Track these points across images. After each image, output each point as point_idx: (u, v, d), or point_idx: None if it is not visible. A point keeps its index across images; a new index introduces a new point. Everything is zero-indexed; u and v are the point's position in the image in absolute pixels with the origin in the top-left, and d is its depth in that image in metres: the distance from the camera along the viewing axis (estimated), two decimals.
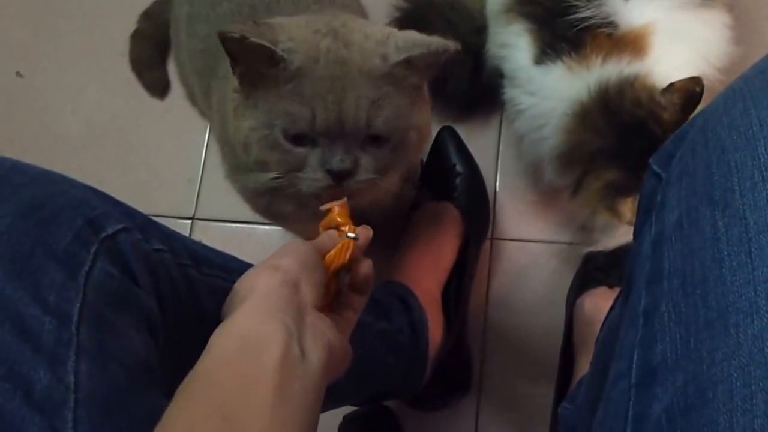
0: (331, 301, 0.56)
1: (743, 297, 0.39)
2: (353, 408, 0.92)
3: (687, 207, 0.45)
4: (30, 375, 0.41)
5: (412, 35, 0.67)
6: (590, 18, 0.80)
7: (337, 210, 0.61)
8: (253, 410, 0.40)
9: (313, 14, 0.72)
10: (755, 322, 0.38)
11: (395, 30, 0.69)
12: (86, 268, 0.46)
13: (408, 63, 0.65)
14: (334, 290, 0.56)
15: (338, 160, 0.65)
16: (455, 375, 0.95)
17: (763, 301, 0.38)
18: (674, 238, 0.45)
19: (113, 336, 0.46)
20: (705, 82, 0.75)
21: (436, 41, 0.65)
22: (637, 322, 0.46)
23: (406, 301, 0.87)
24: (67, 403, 0.41)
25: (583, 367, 0.85)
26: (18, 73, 1.20)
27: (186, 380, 0.42)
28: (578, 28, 0.80)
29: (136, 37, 1.11)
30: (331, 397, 0.74)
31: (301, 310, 0.47)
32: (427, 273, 0.92)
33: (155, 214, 0.59)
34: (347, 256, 0.55)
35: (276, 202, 0.77)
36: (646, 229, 0.49)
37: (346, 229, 0.58)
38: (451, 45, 0.65)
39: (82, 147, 1.15)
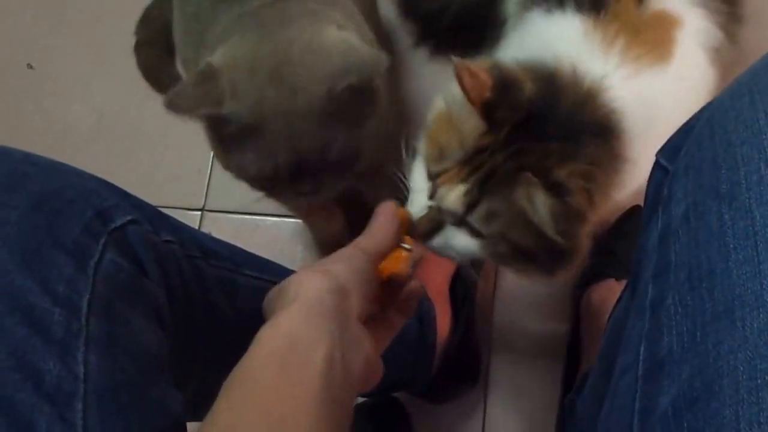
0: (378, 312, 0.54)
1: (749, 290, 0.39)
2: (362, 399, 0.93)
3: (694, 200, 0.45)
4: (40, 365, 0.41)
5: (351, 55, 0.69)
6: None
7: None
8: (299, 415, 0.39)
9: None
10: (761, 315, 0.38)
11: (338, 44, 0.69)
12: (95, 259, 0.46)
13: (350, 88, 0.67)
14: (384, 300, 0.54)
15: (306, 192, 0.72)
16: (463, 367, 0.96)
17: None
18: (681, 231, 0.45)
19: (122, 327, 0.46)
20: None
21: (370, 60, 0.69)
22: (644, 314, 0.46)
23: None
24: (76, 393, 0.41)
25: (590, 359, 0.86)
26: (29, 65, 1.21)
27: (233, 376, 0.41)
28: None
29: (139, 47, 1.11)
30: None
31: (347, 319, 0.45)
32: (434, 265, 0.92)
33: (164, 206, 0.59)
34: (400, 266, 0.53)
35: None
36: (653, 222, 0.49)
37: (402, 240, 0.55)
38: (383, 61, 0.69)
39: (91, 139, 1.16)
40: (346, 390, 0.43)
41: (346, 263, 0.48)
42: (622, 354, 0.48)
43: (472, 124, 0.61)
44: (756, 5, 0.92)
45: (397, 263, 0.53)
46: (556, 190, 0.58)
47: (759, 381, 0.37)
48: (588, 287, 0.93)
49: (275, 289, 0.47)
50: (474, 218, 0.61)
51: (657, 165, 0.51)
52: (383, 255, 0.52)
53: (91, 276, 0.45)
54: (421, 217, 0.63)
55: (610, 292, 0.88)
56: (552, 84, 0.64)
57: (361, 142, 0.71)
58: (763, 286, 0.38)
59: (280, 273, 0.66)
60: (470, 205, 0.61)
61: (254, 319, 0.59)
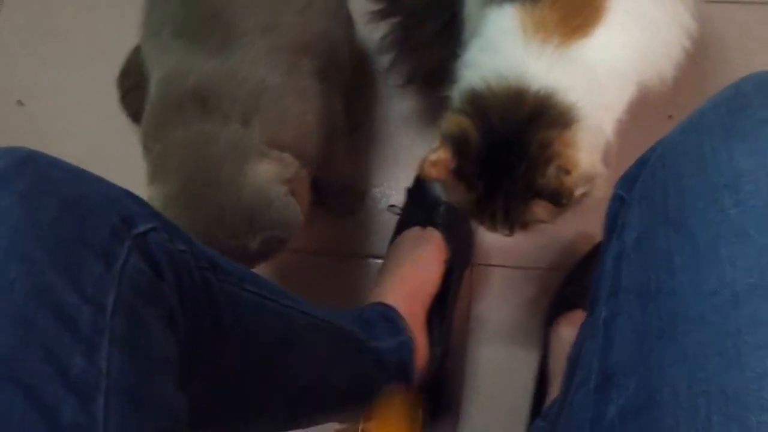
0: None
1: (691, 308, 0.43)
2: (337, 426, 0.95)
3: (645, 226, 0.49)
4: (68, 359, 0.43)
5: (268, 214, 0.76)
6: None
7: None
8: None
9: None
10: (700, 331, 0.42)
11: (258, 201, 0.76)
12: (121, 262, 0.48)
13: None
14: None
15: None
16: (437, 398, 0.98)
17: (708, 312, 0.42)
18: (633, 255, 0.49)
19: (141, 328, 0.48)
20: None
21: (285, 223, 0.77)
22: (598, 332, 0.49)
23: (394, 322, 0.89)
24: (99, 387, 0.43)
25: (558, 387, 0.89)
26: (19, 102, 1.23)
27: None
28: None
29: (125, 96, 1.12)
30: (323, 413, 0.77)
31: None
32: (412, 297, 0.94)
33: None
34: None
35: None
36: (610, 248, 0.53)
37: None
38: (297, 221, 0.77)
39: None
40: None
41: None
42: (578, 371, 0.52)
43: (457, 190, 0.74)
44: (713, 48, 0.98)
45: None
46: (548, 197, 0.70)
47: (696, 390, 0.40)
48: (558, 317, 0.97)
49: None
50: (519, 230, 0.77)
51: (615, 195, 0.55)
52: None
53: (116, 277, 0.47)
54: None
55: (578, 321, 0.91)
56: (486, 117, 0.72)
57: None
58: (703, 306, 0.42)
59: (276, 290, 0.68)
60: (511, 227, 0.76)
61: (253, 333, 0.63)
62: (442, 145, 0.72)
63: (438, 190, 1.02)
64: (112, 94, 1.14)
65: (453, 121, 0.74)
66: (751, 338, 0.39)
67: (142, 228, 0.51)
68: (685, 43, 0.83)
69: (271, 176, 0.77)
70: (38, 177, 0.48)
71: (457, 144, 0.71)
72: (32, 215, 0.45)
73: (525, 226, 0.77)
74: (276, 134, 0.80)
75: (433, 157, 0.71)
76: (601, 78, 0.75)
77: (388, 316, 0.90)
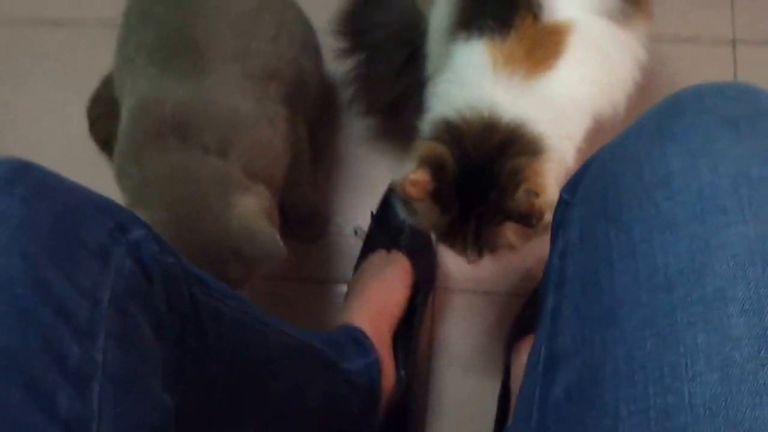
0: None
1: (629, 294, 0.46)
2: None
3: (587, 223, 0.53)
4: (65, 349, 0.45)
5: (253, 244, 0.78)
6: None
7: None
8: None
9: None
10: (638, 313, 0.45)
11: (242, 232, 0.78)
12: (116, 262, 0.51)
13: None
14: None
15: None
16: (402, 421, 0.98)
17: (645, 296, 0.45)
18: (576, 250, 0.53)
19: (133, 326, 0.50)
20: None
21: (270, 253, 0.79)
22: (546, 320, 0.52)
23: (362, 344, 0.91)
24: (95, 376, 0.45)
25: None
26: None
27: None
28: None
29: (93, 124, 1.13)
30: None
31: None
32: (379, 319, 0.96)
33: None
34: None
35: None
36: (556, 246, 0.56)
37: None
38: (281, 253, 0.80)
39: None
40: None
41: None
42: (528, 358, 0.54)
43: (432, 213, 0.77)
44: (664, 84, 1.03)
45: None
46: (519, 218, 0.73)
47: (635, 366, 0.43)
48: (518, 341, 0.99)
49: None
50: (488, 254, 0.80)
51: (560, 199, 0.59)
52: None
53: (111, 276, 0.50)
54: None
55: None
56: (460, 145, 0.76)
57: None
58: (640, 289, 0.45)
59: (255, 309, 0.70)
60: (480, 251, 0.79)
61: (234, 348, 0.64)
62: (420, 167, 0.75)
63: (402, 214, 1.05)
64: (83, 123, 1.15)
65: (429, 147, 0.78)
66: (684, 317, 0.42)
67: (136, 234, 0.54)
68: (637, 75, 0.88)
69: (254, 209, 0.79)
70: (37, 183, 0.51)
71: (435, 168, 0.75)
72: (32, 217, 0.48)
73: (493, 250, 0.79)
74: (249, 162, 0.82)
75: (413, 176, 0.74)
76: (564, 109, 0.80)
77: (356, 338, 0.91)
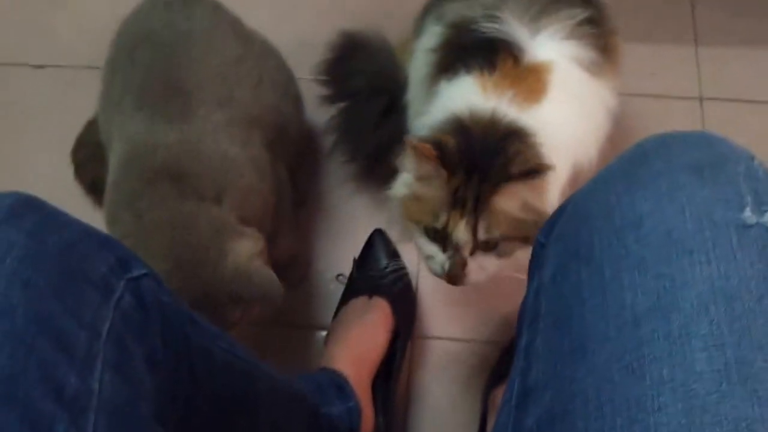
0: None
1: (598, 329, 0.48)
2: None
3: (560, 262, 0.55)
4: (63, 379, 0.46)
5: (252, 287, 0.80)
6: (501, 37, 0.84)
7: None
8: None
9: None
10: (606, 348, 0.47)
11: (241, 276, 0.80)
12: (117, 296, 0.53)
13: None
14: None
15: None
16: None
17: (613, 332, 0.47)
18: (549, 288, 0.55)
19: (129, 358, 0.52)
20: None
21: (268, 294, 0.81)
22: (520, 356, 0.54)
23: (343, 388, 0.92)
24: (91, 405, 0.46)
25: None
26: None
27: None
28: (490, 45, 0.84)
29: (78, 168, 1.14)
30: None
31: None
32: (359, 364, 0.96)
33: None
34: None
35: None
36: (531, 285, 0.58)
37: None
38: (278, 294, 0.81)
39: None
40: None
41: None
42: (503, 394, 0.55)
43: (438, 180, 0.78)
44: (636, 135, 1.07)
45: None
46: (522, 178, 0.75)
47: (603, 399, 0.45)
48: (494, 389, 0.99)
49: None
50: (481, 236, 0.78)
51: (536, 241, 0.61)
52: None
53: (112, 309, 0.51)
54: (451, 266, 0.80)
55: None
56: (466, 133, 0.79)
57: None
58: (608, 326, 0.47)
59: (244, 351, 0.71)
60: (473, 230, 0.78)
61: (223, 389, 0.65)
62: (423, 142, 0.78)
63: (384, 260, 1.06)
64: (66, 163, 1.15)
65: (429, 136, 0.81)
66: (650, 352, 0.44)
67: (135, 273, 0.56)
68: (608, 126, 0.92)
69: (249, 253, 0.81)
70: (43, 217, 0.52)
71: (437, 144, 0.78)
72: (37, 248, 0.50)
73: (489, 229, 0.79)
74: (241, 207, 0.84)
75: (417, 143, 0.77)
76: (553, 140, 0.82)
77: (338, 382, 0.92)
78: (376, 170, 1.09)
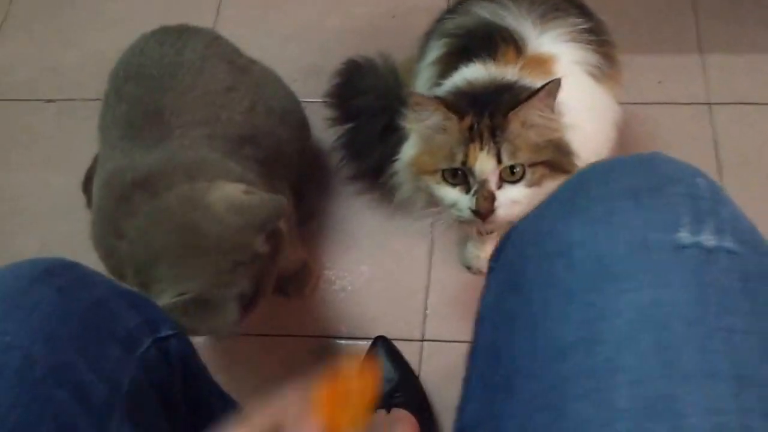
0: None
1: (525, 364, 0.46)
2: None
3: (498, 291, 0.54)
4: (78, 429, 0.47)
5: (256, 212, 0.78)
6: (505, 26, 0.86)
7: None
8: None
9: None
10: (531, 384, 0.45)
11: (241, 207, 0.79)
12: (143, 349, 0.55)
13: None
14: None
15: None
16: None
17: (539, 367, 0.45)
18: (487, 318, 0.54)
19: (149, 411, 0.54)
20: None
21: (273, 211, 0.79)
22: (462, 391, 0.54)
23: None
24: None
25: None
26: None
27: None
28: (491, 40, 0.86)
29: (91, 201, 1.13)
30: None
31: None
32: None
33: None
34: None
35: None
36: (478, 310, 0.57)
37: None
38: (282, 206, 0.79)
39: None
40: None
41: (270, 414, 0.43)
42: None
43: (449, 124, 0.79)
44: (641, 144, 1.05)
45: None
46: (532, 97, 0.76)
47: None
48: None
49: None
50: (506, 161, 0.77)
51: (489, 266, 0.60)
52: None
53: (136, 361, 0.54)
54: (478, 200, 0.78)
55: None
56: (461, 91, 0.82)
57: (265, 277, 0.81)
58: (535, 362, 0.45)
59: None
60: (498, 157, 0.77)
61: None
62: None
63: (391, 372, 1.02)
64: (65, 197, 1.18)
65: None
66: (573, 389, 0.42)
67: (164, 333, 0.58)
68: (613, 132, 0.91)
69: (235, 189, 0.80)
70: (77, 277, 0.55)
71: (437, 99, 0.80)
72: (65, 305, 0.52)
73: (514, 151, 0.77)
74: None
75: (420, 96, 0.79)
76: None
77: None
78: (381, 184, 1.09)
